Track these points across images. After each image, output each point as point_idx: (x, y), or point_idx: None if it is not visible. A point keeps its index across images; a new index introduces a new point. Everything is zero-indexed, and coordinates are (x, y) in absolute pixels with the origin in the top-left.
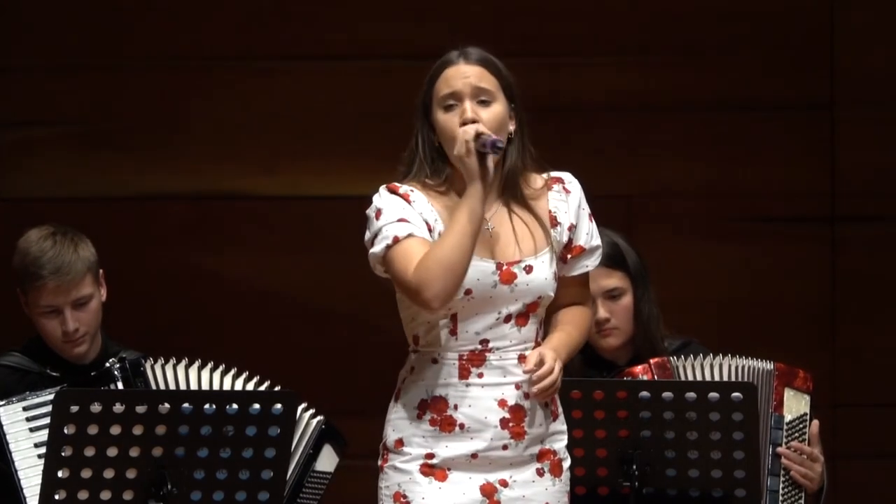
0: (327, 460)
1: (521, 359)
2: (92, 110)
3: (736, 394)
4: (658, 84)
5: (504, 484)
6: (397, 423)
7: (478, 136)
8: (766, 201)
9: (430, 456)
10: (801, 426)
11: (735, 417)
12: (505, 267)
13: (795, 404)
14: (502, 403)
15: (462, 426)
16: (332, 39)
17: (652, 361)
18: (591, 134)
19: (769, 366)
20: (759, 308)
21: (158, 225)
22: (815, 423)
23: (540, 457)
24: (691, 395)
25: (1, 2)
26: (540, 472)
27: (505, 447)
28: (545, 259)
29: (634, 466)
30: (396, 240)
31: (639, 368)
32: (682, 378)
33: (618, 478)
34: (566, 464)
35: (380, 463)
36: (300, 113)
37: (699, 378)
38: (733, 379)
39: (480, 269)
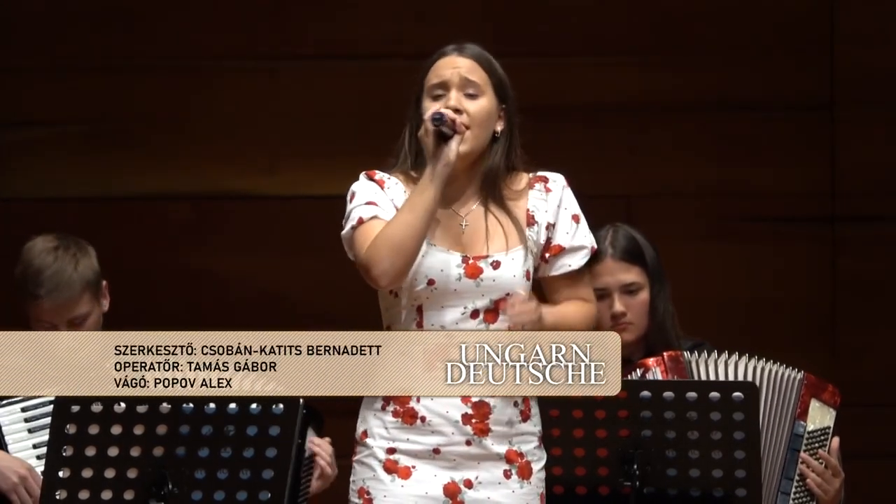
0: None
1: None
2: (92, 110)
3: (737, 393)
4: (658, 84)
5: (469, 485)
6: (364, 414)
7: (435, 117)
8: (766, 201)
9: (392, 451)
10: (822, 438)
11: (736, 417)
12: (471, 261)
13: (820, 416)
14: (465, 399)
15: (423, 419)
16: (332, 39)
17: (665, 354)
18: (591, 134)
19: (799, 374)
20: (758, 308)
21: (158, 225)
22: (837, 439)
23: (507, 458)
24: (692, 394)
25: (2, 3)
26: (507, 474)
27: (468, 443)
28: (516, 257)
29: (635, 466)
30: (361, 221)
31: (651, 360)
32: (695, 374)
33: (618, 477)
34: (537, 466)
35: (352, 457)
36: (300, 113)
37: (712, 375)
38: (756, 381)
39: (445, 260)
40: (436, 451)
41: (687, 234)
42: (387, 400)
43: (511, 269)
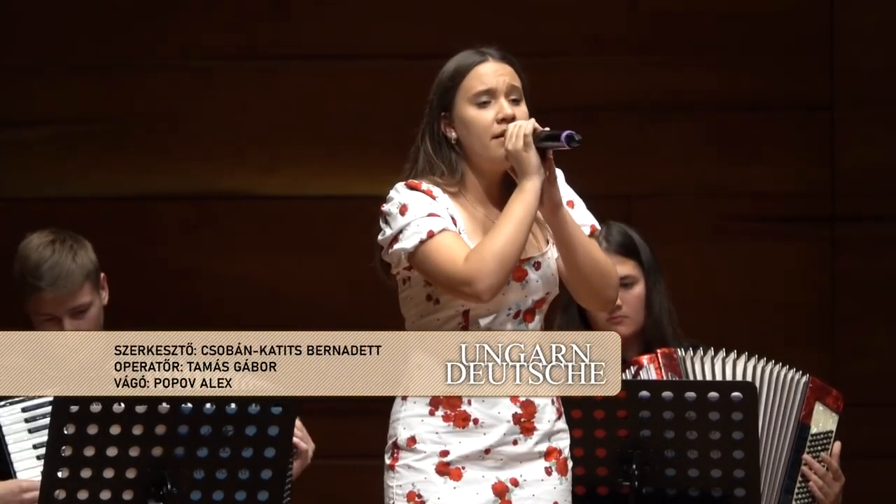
0: None
1: None
2: (93, 110)
3: (736, 393)
4: (658, 84)
5: (515, 483)
6: (408, 420)
7: (535, 131)
8: (766, 201)
9: (445, 454)
10: (824, 441)
11: (735, 417)
12: (517, 264)
13: (823, 420)
14: (514, 398)
15: (476, 421)
16: (332, 40)
17: (659, 351)
18: (591, 134)
19: (804, 377)
20: (758, 308)
21: (158, 225)
22: (838, 443)
23: (547, 454)
24: (691, 394)
25: (2, 2)
26: (548, 471)
27: (515, 442)
28: (550, 253)
29: (634, 466)
30: (431, 234)
31: (645, 358)
32: (689, 371)
33: (617, 477)
34: (570, 463)
35: (389, 462)
36: (300, 113)
37: (707, 373)
38: (757, 381)
39: None
40: (486, 451)
41: (687, 235)
42: (434, 405)
43: (549, 267)
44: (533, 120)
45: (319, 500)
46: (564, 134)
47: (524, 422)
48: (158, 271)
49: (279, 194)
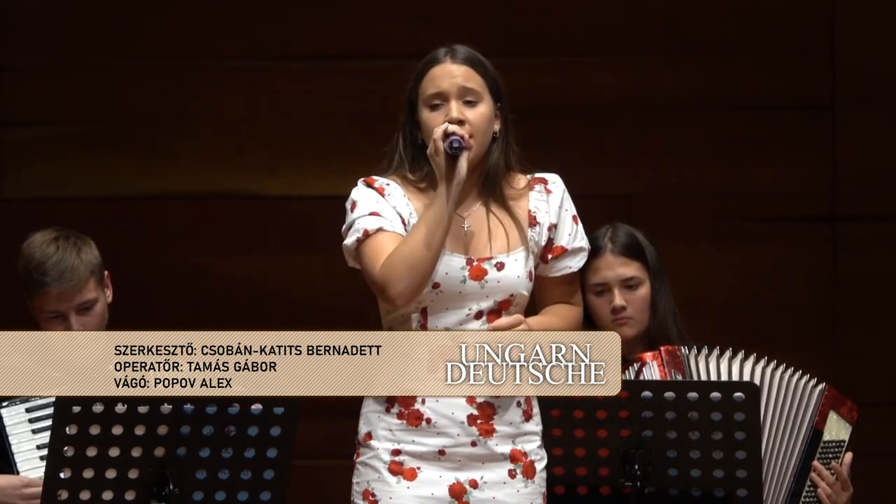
0: None
1: None
2: (93, 110)
3: (738, 394)
4: (658, 84)
5: (474, 485)
6: (368, 416)
7: (446, 135)
8: (768, 201)
9: (397, 452)
10: (836, 450)
11: (737, 417)
12: (475, 263)
13: (837, 429)
14: (471, 400)
15: (429, 421)
16: (331, 40)
17: (662, 349)
18: (591, 134)
19: (820, 385)
20: (759, 307)
21: (159, 224)
22: (850, 454)
23: (512, 458)
24: (693, 395)
25: (1, 2)
26: (512, 474)
27: (474, 444)
28: (518, 257)
29: (636, 466)
30: (367, 233)
31: (648, 355)
32: (692, 369)
33: (620, 477)
34: (540, 465)
35: (354, 458)
36: (300, 113)
37: (712, 372)
38: (765, 384)
39: (450, 264)
40: (441, 452)
41: (688, 234)
42: (391, 402)
43: (515, 269)
44: (444, 125)
45: (322, 500)
46: (452, 140)
47: (481, 423)
48: (159, 270)
49: (279, 194)
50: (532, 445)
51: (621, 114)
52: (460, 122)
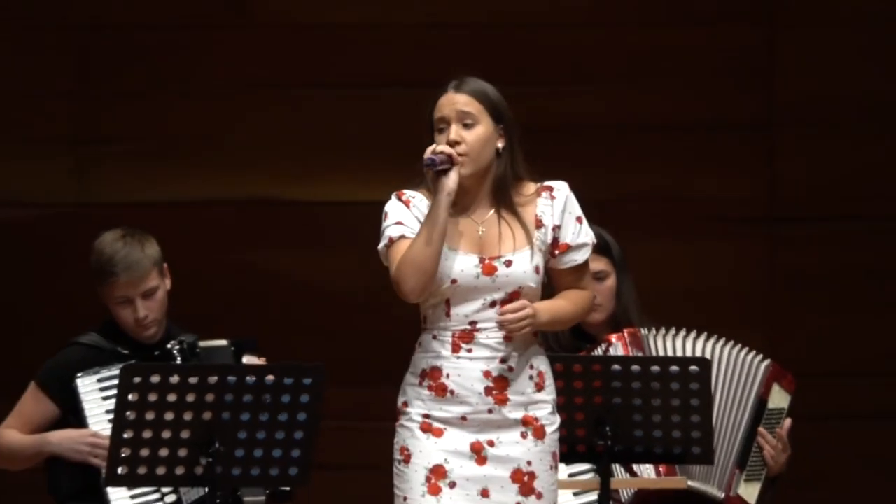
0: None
1: (507, 339)
2: (159, 131)
3: (693, 367)
4: (626, 108)
5: (491, 444)
6: (405, 388)
7: (430, 156)
8: (716, 205)
9: (427, 416)
10: (778, 416)
11: (692, 387)
12: (486, 261)
13: (779, 399)
14: (487, 374)
15: (452, 392)
16: (351, 71)
17: (626, 331)
18: (574, 150)
19: (765, 361)
20: (709, 295)
21: (208, 226)
22: (789, 420)
23: (524, 422)
24: (655, 368)
25: (77, 36)
26: (524, 436)
27: (490, 411)
28: (524, 255)
29: (608, 428)
30: (391, 240)
31: (614, 336)
32: (651, 347)
33: (594, 437)
34: (550, 428)
35: (396, 423)
36: (329, 133)
37: (670, 349)
38: (715, 358)
39: (464, 262)
40: (463, 418)
41: (650, 233)
42: (422, 377)
43: (521, 265)
44: (431, 147)
45: (369, 458)
46: (426, 158)
47: (496, 394)
48: (211, 266)
49: (311, 200)
50: (543, 412)
51: (596, 133)
52: (456, 143)
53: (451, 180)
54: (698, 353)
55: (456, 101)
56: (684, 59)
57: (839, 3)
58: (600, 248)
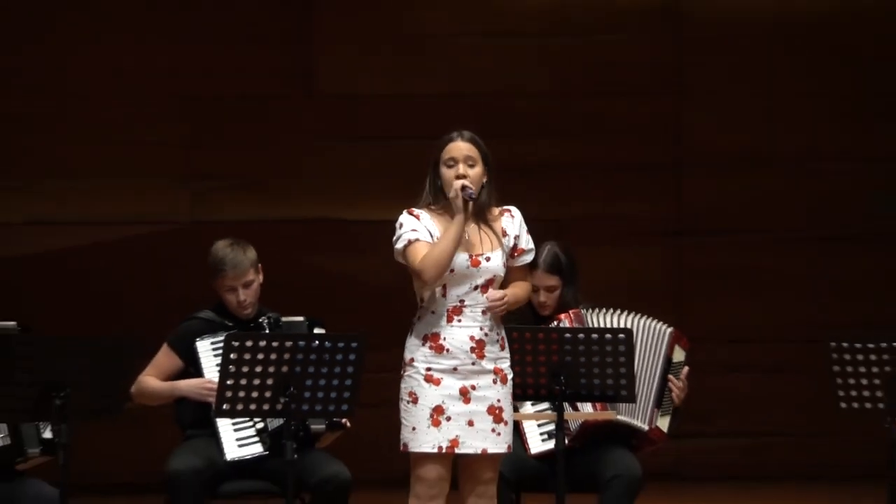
0: None
1: (484, 313)
2: (248, 169)
3: (620, 335)
4: (569, 151)
5: (473, 388)
6: (410, 347)
7: (463, 188)
8: (641, 224)
9: (429, 369)
10: (680, 367)
11: (620, 349)
12: (474, 257)
13: (679, 355)
14: (472, 338)
15: (447, 350)
16: (381, 128)
17: (571, 311)
18: (536, 184)
19: (669, 328)
20: (634, 288)
21: (288, 238)
22: (687, 368)
23: (494, 371)
24: (595, 336)
25: (189, 104)
26: (494, 381)
27: (473, 363)
28: (498, 254)
29: (562, 377)
30: (410, 242)
31: (563, 315)
32: (590, 321)
33: (552, 384)
34: (509, 375)
35: (401, 373)
36: (371, 171)
37: (604, 323)
38: (635, 328)
39: (459, 258)
40: (455, 369)
41: (594, 242)
42: (424, 339)
43: (496, 261)
44: (462, 181)
45: (382, 400)
46: (468, 192)
47: (477, 352)
48: (288, 269)
49: (360, 219)
50: (504, 364)
51: (550, 172)
52: (464, 176)
53: (468, 206)
54: (625, 325)
55: (462, 147)
56: (616, 117)
57: (740, 78)
58: (553, 268)
